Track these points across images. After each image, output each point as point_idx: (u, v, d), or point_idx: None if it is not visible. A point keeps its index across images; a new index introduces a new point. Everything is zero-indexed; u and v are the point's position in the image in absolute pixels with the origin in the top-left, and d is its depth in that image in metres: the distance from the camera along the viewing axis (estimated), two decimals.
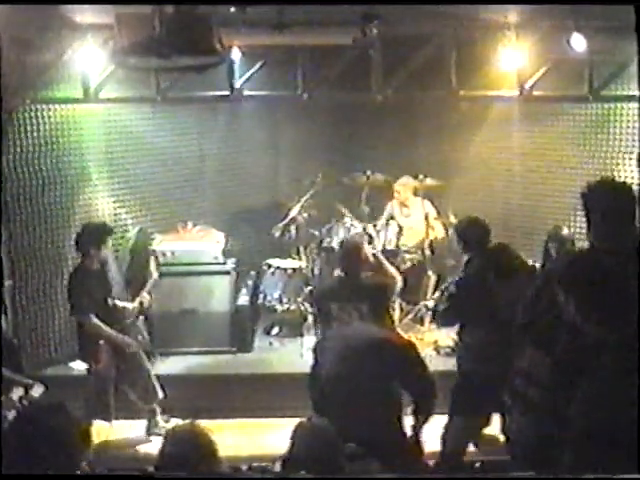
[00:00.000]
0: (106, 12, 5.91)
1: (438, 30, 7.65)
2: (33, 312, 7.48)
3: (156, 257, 7.67)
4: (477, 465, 5.48)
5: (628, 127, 7.80)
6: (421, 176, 8.76)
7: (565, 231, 6.54)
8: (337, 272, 6.38)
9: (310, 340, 7.18)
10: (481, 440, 6.09)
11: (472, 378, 5.33)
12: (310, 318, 7.90)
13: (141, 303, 6.77)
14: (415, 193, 8.86)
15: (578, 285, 3.41)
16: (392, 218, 8.77)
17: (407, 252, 8.55)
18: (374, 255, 6.56)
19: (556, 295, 3.54)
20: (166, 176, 8.73)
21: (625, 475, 3.04)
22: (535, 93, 8.28)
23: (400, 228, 8.48)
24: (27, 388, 5.69)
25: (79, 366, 6.95)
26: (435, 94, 8.46)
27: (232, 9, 5.51)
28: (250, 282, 8.61)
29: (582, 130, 8.28)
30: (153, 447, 5.02)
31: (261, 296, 8.45)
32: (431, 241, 8.47)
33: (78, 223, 7.24)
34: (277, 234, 8.63)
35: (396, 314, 7.62)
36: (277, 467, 3.85)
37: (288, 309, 8.31)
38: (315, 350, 5.25)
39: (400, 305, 8.00)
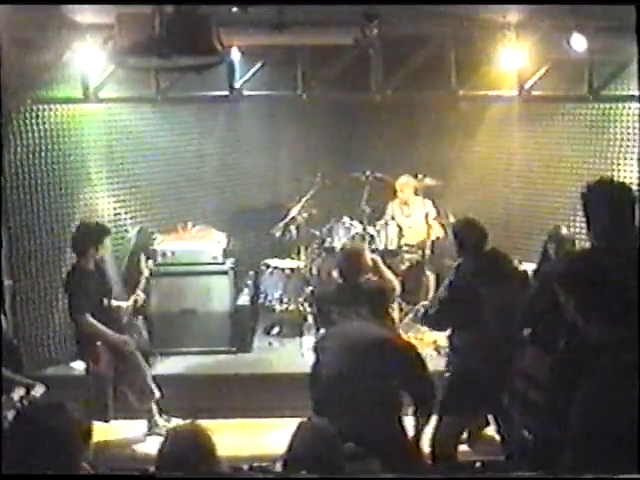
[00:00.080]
0: (106, 12, 5.92)
1: (438, 30, 7.65)
2: (33, 312, 7.47)
3: (147, 256, 7.66)
4: (477, 465, 5.48)
5: (628, 127, 7.80)
6: (420, 176, 8.77)
7: (565, 231, 6.53)
8: (335, 273, 6.36)
9: (310, 340, 7.18)
10: (479, 440, 6.10)
11: (462, 380, 5.30)
12: (310, 318, 7.91)
13: (135, 302, 6.76)
14: (415, 193, 8.88)
15: (578, 285, 3.41)
16: (393, 218, 8.77)
17: (407, 252, 8.55)
18: (372, 260, 6.53)
19: (556, 295, 3.54)
20: (166, 176, 8.73)
21: (625, 475, 3.04)
22: (535, 93, 8.28)
23: (400, 228, 8.47)
24: (28, 388, 5.69)
25: (79, 366, 6.95)
26: (435, 94, 8.47)
27: (232, 9, 5.51)
28: (250, 282, 8.62)
29: (582, 130, 8.27)
30: (153, 447, 5.01)
31: (261, 296, 8.46)
32: (432, 241, 8.47)
33: (78, 223, 7.24)
34: (277, 234, 8.64)
35: (396, 314, 7.61)
36: (277, 467, 3.85)
37: (288, 309, 8.32)
38: (315, 349, 5.24)
39: (400, 305, 7.99)
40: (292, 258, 8.73)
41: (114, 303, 6.51)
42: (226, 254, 8.01)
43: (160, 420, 6.57)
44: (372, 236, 8.33)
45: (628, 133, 7.80)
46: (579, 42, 6.86)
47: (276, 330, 8.34)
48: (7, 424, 4.23)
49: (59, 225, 7.51)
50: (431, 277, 8.49)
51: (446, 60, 7.97)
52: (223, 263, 7.95)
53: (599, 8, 6.18)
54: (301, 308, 8.22)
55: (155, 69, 7.02)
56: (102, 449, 5.81)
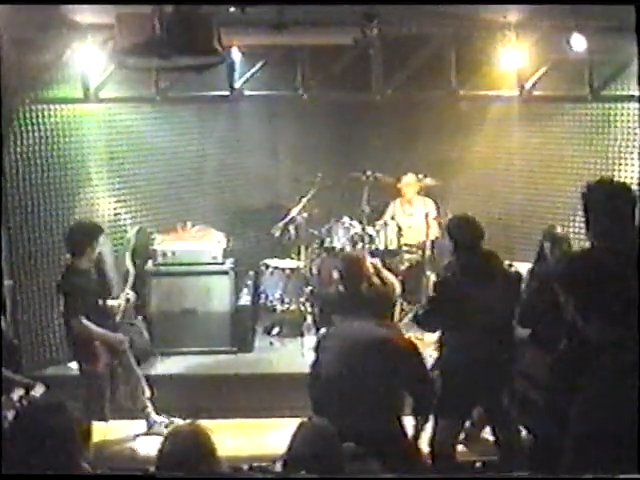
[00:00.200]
0: (106, 12, 5.92)
1: (438, 30, 7.65)
2: (33, 312, 7.47)
3: (132, 253, 7.66)
4: (477, 465, 5.49)
5: (628, 127, 7.79)
6: (420, 175, 8.78)
7: (559, 230, 6.53)
8: (335, 274, 6.34)
9: (310, 340, 7.18)
10: (475, 442, 6.08)
11: (452, 380, 5.28)
12: (310, 318, 7.91)
13: (127, 300, 6.75)
14: (417, 192, 8.90)
15: (578, 285, 3.41)
16: (393, 218, 8.77)
17: (408, 252, 8.55)
18: (373, 265, 6.51)
19: (556, 295, 3.54)
20: (166, 176, 8.73)
21: (625, 475, 3.05)
22: (535, 93, 8.28)
23: (399, 228, 8.47)
24: (28, 388, 5.69)
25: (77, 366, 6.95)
26: (435, 94, 8.47)
27: (232, 9, 5.51)
28: (250, 282, 8.62)
29: (582, 130, 8.26)
30: (153, 447, 5.02)
31: (262, 296, 8.46)
32: (432, 241, 8.47)
33: (72, 223, 7.22)
34: (277, 234, 8.64)
35: (396, 314, 7.61)
36: (277, 467, 3.85)
37: (288, 309, 8.32)
38: (316, 349, 5.24)
39: (400, 305, 7.99)
40: (292, 258, 8.73)
41: (108, 303, 6.49)
42: (226, 254, 8.01)
43: (158, 417, 6.54)
44: (371, 236, 8.33)
45: (628, 133, 7.80)
46: (579, 42, 6.86)
47: (276, 330, 8.34)
48: (7, 424, 4.23)
49: (59, 225, 7.50)
50: (431, 277, 8.47)
51: (446, 60, 7.97)
52: (223, 263, 7.95)
53: (599, 8, 6.18)
54: (302, 308, 8.22)
55: (155, 69, 7.03)
56: (101, 449, 5.82)
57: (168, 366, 7.53)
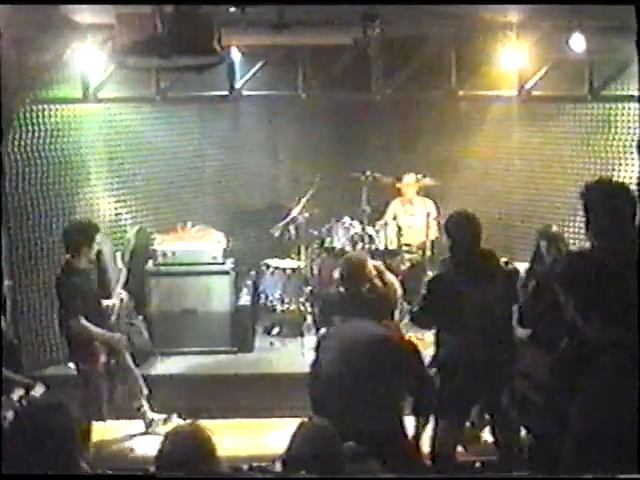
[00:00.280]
0: (106, 12, 5.92)
1: (438, 30, 7.66)
2: (33, 312, 7.48)
3: (123, 253, 7.66)
4: (477, 465, 5.48)
5: (628, 127, 7.79)
6: (420, 176, 8.78)
7: (555, 229, 6.53)
8: (336, 274, 6.33)
9: (310, 340, 7.18)
10: (474, 442, 6.08)
11: (451, 379, 5.27)
12: (310, 318, 7.91)
13: (121, 300, 6.75)
14: (418, 192, 8.90)
15: (578, 285, 3.41)
16: (394, 218, 8.76)
17: (408, 252, 8.55)
18: (374, 267, 6.50)
19: (556, 295, 3.54)
20: (166, 176, 8.74)
21: (625, 475, 3.05)
22: (535, 93, 8.29)
23: (399, 228, 8.47)
24: (28, 388, 5.69)
25: None
26: (435, 94, 8.48)
27: (232, 9, 5.51)
28: (250, 282, 8.62)
29: (582, 130, 8.27)
30: (151, 447, 5.02)
31: (262, 296, 8.47)
32: (432, 241, 8.47)
33: (68, 222, 7.22)
34: (277, 234, 8.64)
35: (397, 315, 7.61)
36: (277, 467, 3.85)
37: (288, 309, 8.32)
38: (316, 349, 5.24)
39: (400, 305, 7.99)
40: (292, 258, 8.73)
41: (103, 302, 6.48)
42: (226, 254, 8.01)
43: (155, 415, 6.54)
44: (371, 236, 8.32)
45: (628, 133, 7.80)
46: (579, 42, 6.86)
47: (277, 330, 8.34)
48: (7, 424, 4.23)
49: (59, 225, 7.50)
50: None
51: (446, 60, 7.98)
52: (223, 263, 7.96)
53: (599, 8, 6.18)
54: (302, 308, 8.22)
55: (155, 69, 7.04)
56: (99, 449, 5.82)
57: (168, 366, 7.53)
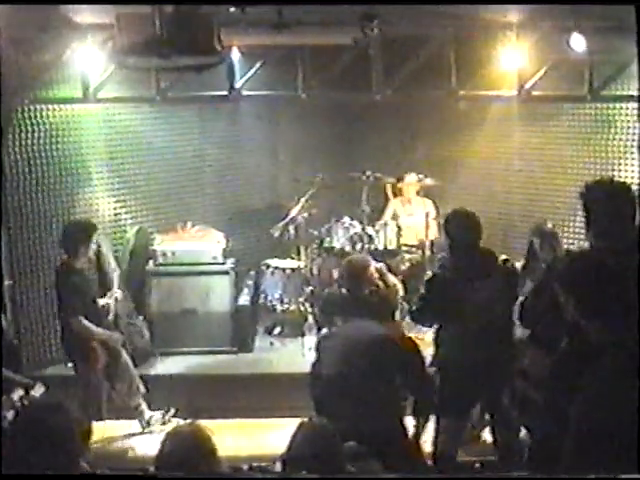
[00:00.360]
0: (106, 12, 5.92)
1: (438, 30, 7.66)
2: (33, 312, 7.48)
3: (121, 253, 7.64)
4: (477, 465, 5.48)
5: (628, 127, 7.79)
6: (420, 176, 8.78)
7: (549, 226, 6.53)
8: (336, 274, 6.33)
9: (311, 340, 7.18)
10: (474, 442, 6.07)
11: (451, 378, 5.27)
12: (311, 318, 7.91)
13: (116, 299, 6.74)
14: (417, 192, 8.90)
15: (578, 285, 3.41)
16: (394, 218, 8.76)
17: (408, 252, 8.55)
18: (377, 269, 6.48)
19: (556, 295, 3.54)
20: (166, 176, 8.73)
21: (625, 475, 3.04)
22: (535, 93, 8.29)
23: (399, 228, 8.47)
24: (27, 388, 5.69)
25: None
26: (435, 94, 8.48)
27: (232, 9, 5.51)
28: (250, 282, 8.62)
29: (582, 130, 8.26)
30: (151, 446, 5.01)
31: (262, 296, 8.46)
32: (431, 241, 8.47)
33: (66, 222, 7.21)
34: (277, 234, 8.63)
35: (397, 315, 7.61)
36: (277, 467, 3.85)
37: (288, 309, 8.32)
38: (317, 349, 5.24)
39: (400, 305, 7.99)
40: (292, 258, 8.73)
41: (99, 302, 6.48)
42: (226, 254, 8.01)
43: (153, 413, 6.53)
44: (370, 236, 8.32)
45: (628, 133, 7.80)
46: (579, 42, 6.86)
47: (277, 330, 8.34)
48: (7, 424, 4.23)
49: (59, 225, 7.50)
50: None
51: (446, 60, 7.98)
52: (223, 263, 7.96)
53: (599, 8, 6.18)
54: (302, 308, 8.22)
55: (155, 69, 7.03)
56: (98, 449, 5.82)
57: (168, 366, 7.53)
